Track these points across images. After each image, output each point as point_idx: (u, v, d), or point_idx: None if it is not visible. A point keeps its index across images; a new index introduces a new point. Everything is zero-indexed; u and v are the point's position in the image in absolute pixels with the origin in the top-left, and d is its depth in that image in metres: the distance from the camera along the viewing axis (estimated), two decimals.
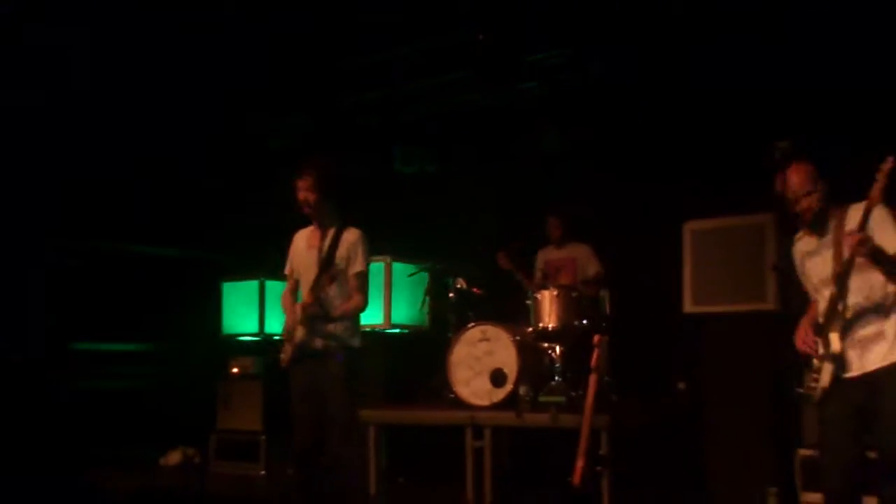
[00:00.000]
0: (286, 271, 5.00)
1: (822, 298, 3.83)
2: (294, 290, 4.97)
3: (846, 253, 3.66)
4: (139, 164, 7.81)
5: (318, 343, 4.73)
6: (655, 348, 6.73)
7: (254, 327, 7.86)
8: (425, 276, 7.23)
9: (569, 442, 5.04)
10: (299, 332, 4.74)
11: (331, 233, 4.74)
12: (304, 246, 4.88)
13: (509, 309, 6.68)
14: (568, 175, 7.40)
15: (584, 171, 7.35)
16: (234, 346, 7.96)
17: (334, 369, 4.70)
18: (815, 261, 3.90)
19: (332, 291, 4.71)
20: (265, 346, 7.74)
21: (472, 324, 6.33)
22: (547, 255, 7.08)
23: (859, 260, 3.63)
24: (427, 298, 7.20)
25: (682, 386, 6.69)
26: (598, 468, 5.02)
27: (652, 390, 6.81)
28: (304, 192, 4.72)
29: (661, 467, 5.85)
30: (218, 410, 7.79)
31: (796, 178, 3.79)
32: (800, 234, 4.00)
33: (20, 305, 6.93)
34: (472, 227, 7.49)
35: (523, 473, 6.31)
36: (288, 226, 5.06)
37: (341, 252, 4.72)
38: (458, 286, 6.87)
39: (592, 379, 4.47)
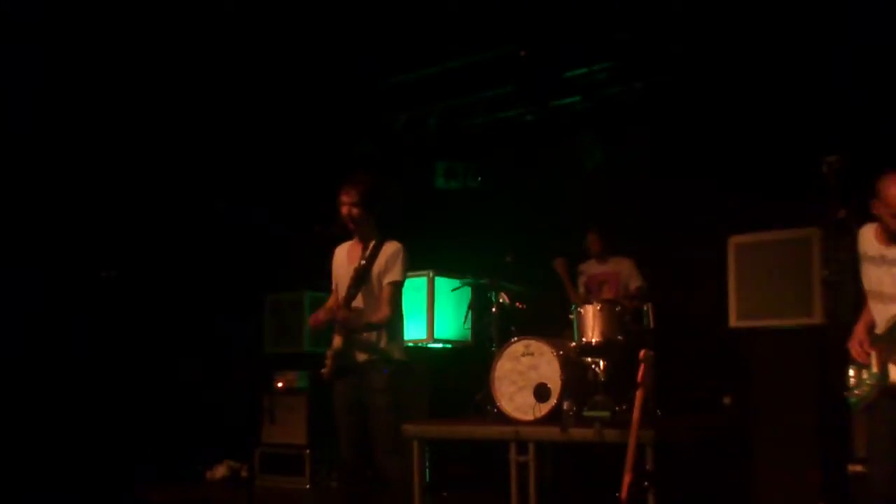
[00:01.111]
0: (333, 287, 4.98)
1: (883, 311, 3.78)
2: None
3: None
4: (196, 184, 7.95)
5: (360, 356, 4.71)
6: (700, 363, 6.68)
7: (299, 342, 7.93)
8: (468, 290, 7.25)
9: (613, 457, 5.02)
10: (337, 342, 4.70)
11: (371, 245, 4.65)
12: (344, 259, 4.87)
13: (552, 323, 6.68)
14: (609, 189, 7.39)
15: (626, 185, 7.34)
16: (278, 361, 8.03)
17: (377, 383, 4.67)
18: (880, 270, 3.85)
19: (366, 301, 4.66)
20: (310, 360, 7.81)
21: (516, 338, 6.33)
22: (589, 270, 7.08)
23: None
24: (470, 313, 7.22)
25: (727, 401, 6.62)
26: (646, 483, 4.99)
27: (697, 406, 6.75)
28: (348, 206, 4.68)
29: (708, 483, 5.80)
30: (263, 425, 7.86)
31: (895, 190, 3.74)
32: (866, 228, 3.94)
33: (69, 321, 7.06)
34: (514, 242, 7.49)
35: (567, 488, 6.29)
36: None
37: (379, 263, 4.66)
38: (501, 301, 6.89)
39: (639, 394, 4.45)
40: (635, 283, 6.81)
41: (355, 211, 4.68)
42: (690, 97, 6.94)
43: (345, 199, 4.69)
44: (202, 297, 8.28)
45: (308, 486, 7.52)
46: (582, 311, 6.28)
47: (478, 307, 7.23)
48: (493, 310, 6.89)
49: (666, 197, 7.08)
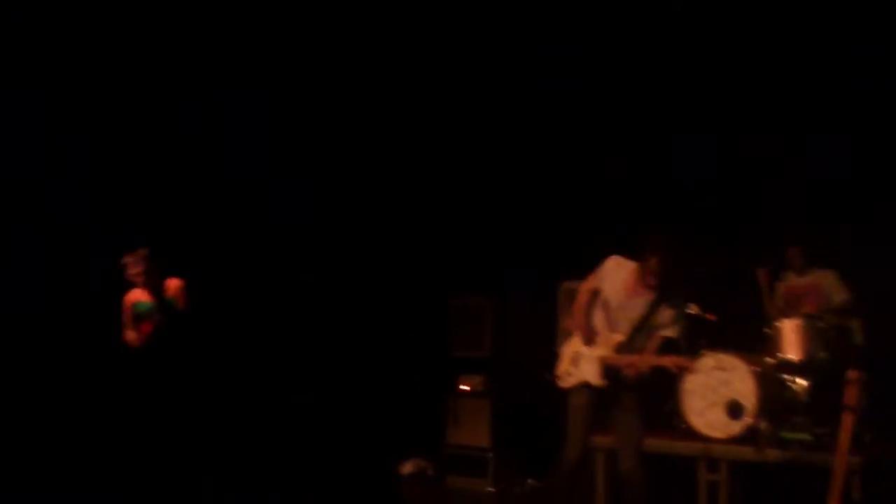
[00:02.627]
0: (593, 282, 5.18)
1: None
2: (590, 303, 5.20)
3: None
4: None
5: (602, 384, 5.11)
6: None
7: (482, 346, 7.99)
8: None
9: (812, 483, 4.76)
10: (586, 372, 5.08)
11: (655, 294, 4.99)
12: (624, 278, 5.08)
13: (744, 337, 6.39)
14: (812, 198, 6.97)
15: (829, 194, 6.90)
16: (463, 364, 8.13)
17: (628, 401, 5.10)
18: None
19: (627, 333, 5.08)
20: (492, 364, 7.85)
21: (706, 352, 6.11)
22: (788, 283, 6.73)
23: None
24: None
25: None
26: None
27: None
28: (646, 268, 4.95)
29: None
30: (447, 426, 7.98)
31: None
32: None
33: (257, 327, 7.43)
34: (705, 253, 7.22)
35: None
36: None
37: (661, 319, 5.05)
38: (691, 312, 6.65)
39: (847, 418, 4.17)
40: (840, 296, 6.40)
41: (651, 279, 4.95)
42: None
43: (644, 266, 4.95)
44: (395, 302, 8.47)
45: (491, 489, 7.57)
46: (780, 325, 6.01)
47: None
48: (683, 321, 6.68)
49: (879, 203, 6.60)
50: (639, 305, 5.03)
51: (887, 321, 6.11)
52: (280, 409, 7.33)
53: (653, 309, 5.00)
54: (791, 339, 5.90)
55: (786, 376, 5.99)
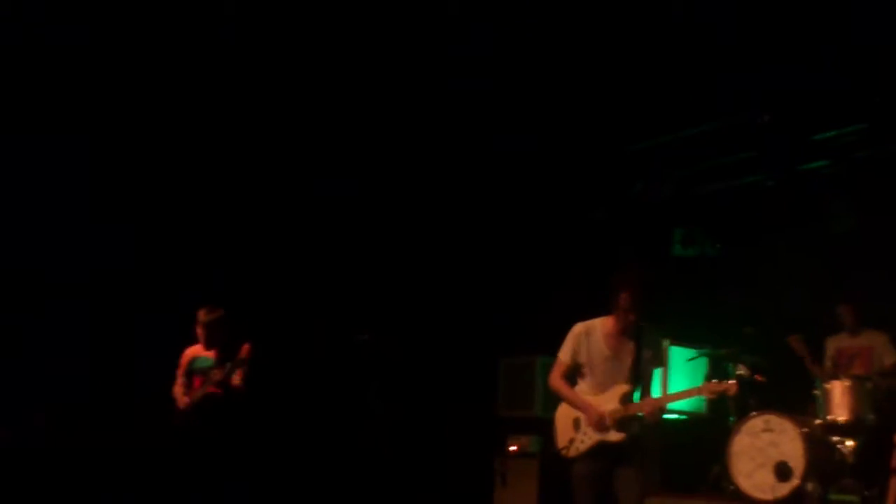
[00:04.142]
0: (564, 356, 5.01)
1: None
2: (568, 376, 5.03)
3: None
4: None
5: (620, 437, 4.84)
6: None
7: (531, 405, 8.01)
8: (705, 361, 7.04)
9: None
10: (595, 436, 4.85)
11: (633, 335, 4.86)
12: (599, 338, 4.94)
13: (793, 399, 6.33)
14: (861, 257, 6.93)
15: (879, 253, 6.86)
16: (511, 424, 8.13)
17: (635, 457, 4.80)
18: None
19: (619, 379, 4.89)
20: (541, 424, 7.85)
21: (755, 413, 6.07)
22: (839, 343, 6.66)
23: None
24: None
25: None
26: None
27: None
28: (628, 297, 4.80)
29: None
30: (495, 487, 7.96)
31: None
32: None
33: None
34: (754, 313, 7.19)
35: None
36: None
37: (647, 355, 4.89)
38: (740, 372, 6.62)
39: (894, 480, 4.11)
40: (890, 358, 6.33)
41: (629, 314, 4.81)
42: None
43: (621, 301, 4.82)
44: (444, 359, 8.55)
45: None
46: (829, 386, 5.96)
47: (715, 379, 6.97)
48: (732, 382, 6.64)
49: None
50: (627, 354, 4.86)
51: None
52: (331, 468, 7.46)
53: (640, 349, 4.83)
54: (839, 401, 5.84)
55: (835, 438, 5.90)
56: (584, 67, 6.77)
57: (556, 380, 5.02)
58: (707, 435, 6.76)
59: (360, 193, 7.87)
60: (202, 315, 5.99)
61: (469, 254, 8.48)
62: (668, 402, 4.93)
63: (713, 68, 6.59)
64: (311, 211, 7.75)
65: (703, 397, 6.97)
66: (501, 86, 6.97)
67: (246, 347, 5.77)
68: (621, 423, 4.79)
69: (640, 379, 4.85)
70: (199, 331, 6.00)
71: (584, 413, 4.90)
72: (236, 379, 5.87)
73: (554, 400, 5.21)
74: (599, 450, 4.85)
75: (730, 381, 4.72)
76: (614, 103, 7.20)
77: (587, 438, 4.89)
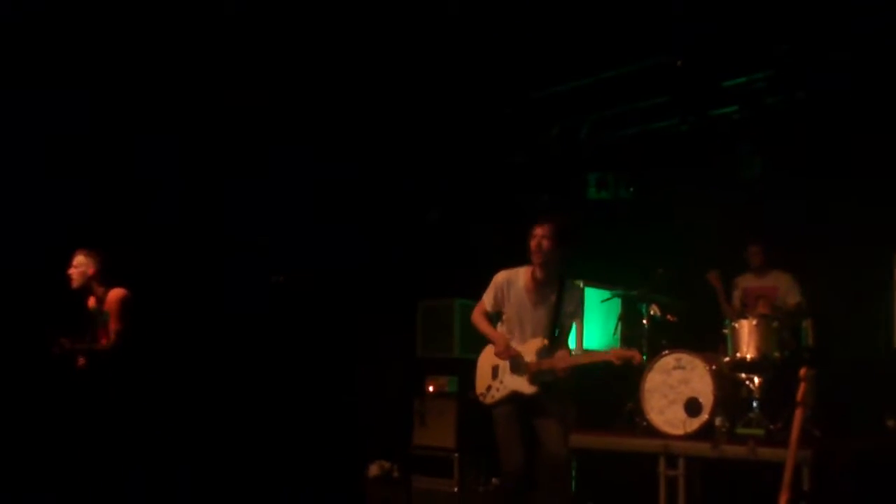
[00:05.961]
0: (486, 303, 5.11)
1: None
2: (488, 318, 5.14)
3: None
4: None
5: (533, 390, 4.94)
6: (861, 383, 6.40)
7: (450, 347, 8.10)
8: (618, 302, 7.22)
9: (765, 476, 4.91)
10: (514, 382, 4.94)
11: (555, 287, 4.94)
12: (521, 288, 5.01)
13: (704, 337, 6.57)
14: (769, 201, 7.18)
15: (786, 197, 7.12)
16: (430, 365, 8.23)
17: (552, 409, 4.94)
18: None
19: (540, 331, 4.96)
20: (460, 365, 7.96)
21: (667, 351, 6.28)
22: (746, 283, 6.93)
23: None
24: (620, 324, 7.19)
25: (891, 423, 6.33)
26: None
27: (858, 427, 6.48)
28: (540, 238, 4.88)
29: None
30: (414, 427, 8.08)
31: None
32: None
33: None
34: (666, 254, 7.40)
35: None
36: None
37: (568, 309, 4.99)
38: (652, 313, 6.83)
39: (798, 413, 4.33)
40: (794, 298, 6.62)
41: (546, 243, 4.87)
42: (855, 106, 6.66)
43: (538, 230, 4.89)
44: (364, 304, 8.55)
45: (456, 490, 7.67)
46: (737, 325, 6.18)
47: (628, 319, 7.19)
48: (644, 322, 6.85)
49: (828, 210, 6.83)
50: (547, 304, 4.94)
51: (835, 322, 6.32)
52: (245, 411, 7.41)
53: (560, 303, 4.92)
54: (747, 339, 6.07)
55: (742, 375, 6.16)
56: (501, 14, 6.73)
57: (476, 315, 5.16)
58: (620, 372, 6.95)
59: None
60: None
61: (388, 197, 8.44)
62: (579, 362, 4.98)
63: (628, 12, 6.65)
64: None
65: (617, 337, 7.28)
66: (422, 33, 6.89)
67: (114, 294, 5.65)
68: (535, 375, 4.91)
69: (558, 332, 4.95)
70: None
71: (493, 342, 5.04)
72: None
73: (472, 342, 5.32)
74: (514, 398, 4.98)
75: (634, 350, 4.91)
76: (532, 48, 7.19)
77: (503, 387, 5.02)
